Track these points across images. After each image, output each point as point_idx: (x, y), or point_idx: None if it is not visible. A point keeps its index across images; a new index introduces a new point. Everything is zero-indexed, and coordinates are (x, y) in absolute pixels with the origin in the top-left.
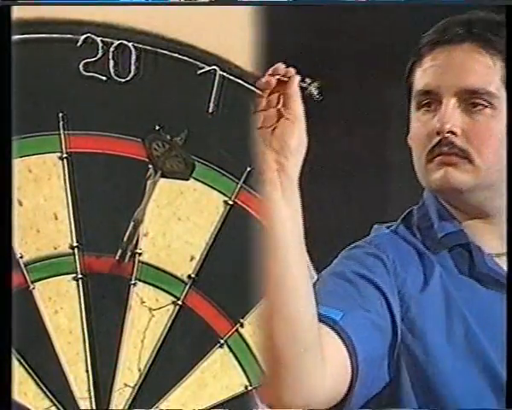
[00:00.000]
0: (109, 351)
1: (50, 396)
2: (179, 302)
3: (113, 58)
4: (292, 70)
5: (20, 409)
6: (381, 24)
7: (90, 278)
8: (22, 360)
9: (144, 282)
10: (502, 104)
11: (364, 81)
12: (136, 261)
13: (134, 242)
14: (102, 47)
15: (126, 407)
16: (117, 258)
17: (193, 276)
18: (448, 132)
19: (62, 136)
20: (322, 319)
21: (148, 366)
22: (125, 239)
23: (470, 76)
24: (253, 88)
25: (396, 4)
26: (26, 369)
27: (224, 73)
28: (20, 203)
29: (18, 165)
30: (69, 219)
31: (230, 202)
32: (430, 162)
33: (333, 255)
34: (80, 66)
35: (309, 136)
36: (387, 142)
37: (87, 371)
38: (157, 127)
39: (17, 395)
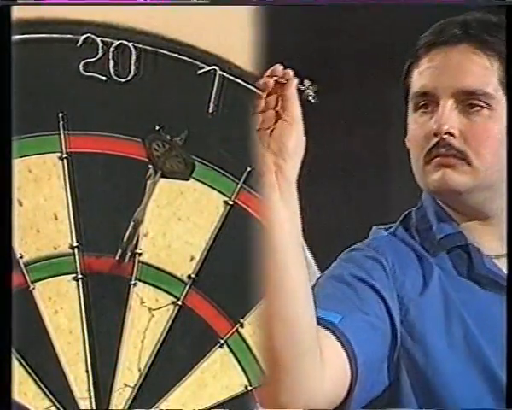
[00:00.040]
0: (109, 351)
1: (50, 396)
2: (179, 302)
3: (113, 58)
4: (290, 72)
5: (20, 409)
6: (381, 24)
7: (90, 278)
8: (22, 360)
9: (144, 282)
10: (499, 105)
11: (364, 81)
12: (136, 261)
13: (134, 242)
14: (102, 47)
15: (126, 407)
16: (117, 258)
17: (193, 276)
18: (446, 134)
19: (62, 136)
20: (321, 322)
21: (148, 366)
22: (125, 239)
23: (467, 77)
24: (252, 88)
25: (396, 4)
26: (26, 369)
27: (224, 73)
28: (20, 203)
29: (18, 165)
30: (69, 219)
31: (230, 202)
32: (428, 164)
33: (333, 256)
34: (80, 66)
35: (308, 136)
36: (387, 142)
37: (87, 371)
38: (157, 127)
39: (17, 395)
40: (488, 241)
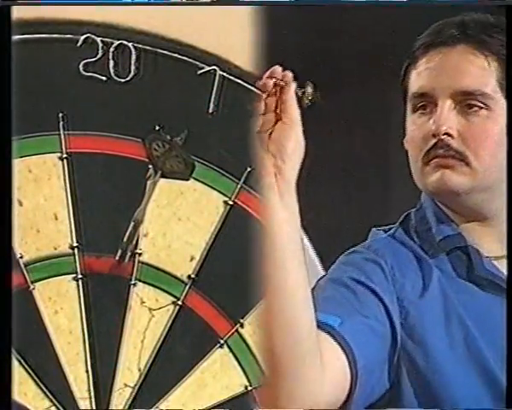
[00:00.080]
0: (109, 351)
1: (50, 396)
2: (179, 302)
3: (113, 58)
4: (289, 74)
5: (20, 409)
6: (383, 24)
7: (90, 279)
8: (22, 360)
9: (144, 282)
10: (497, 106)
11: (365, 81)
12: (136, 261)
13: (134, 242)
14: (102, 47)
15: (126, 407)
16: (117, 258)
17: (193, 276)
18: (444, 134)
19: (62, 136)
20: (321, 325)
21: (148, 366)
22: (125, 239)
23: (465, 78)
24: (252, 88)
25: (397, 4)
26: (26, 369)
27: (224, 73)
28: (20, 203)
29: (18, 165)
30: (69, 219)
31: (230, 202)
32: (426, 165)
33: (333, 256)
34: (80, 66)
35: (309, 136)
36: (388, 142)
37: (87, 371)
38: (157, 127)
39: (17, 395)
40: (487, 242)
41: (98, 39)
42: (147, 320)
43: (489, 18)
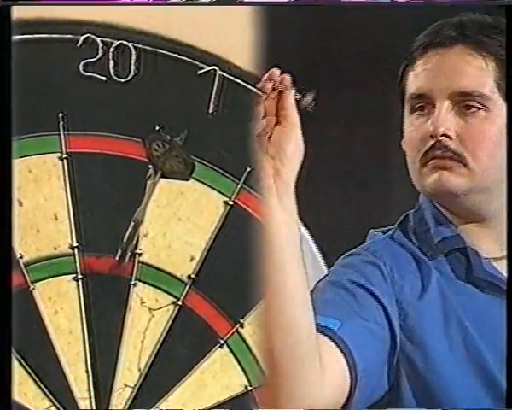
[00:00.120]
0: (109, 351)
1: (50, 396)
2: (179, 303)
3: (113, 58)
4: (287, 78)
5: (20, 409)
6: (382, 24)
7: (90, 279)
8: (22, 361)
9: (144, 282)
10: (495, 106)
11: (365, 81)
12: (136, 262)
13: (134, 242)
14: (102, 47)
15: (126, 407)
16: (117, 258)
17: (193, 276)
18: (442, 136)
19: (62, 136)
20: (320, 328)
21: (148, 365)
22: (125, 239)
23: (463, 78)
24: (252, 88)
25: (397, 4)
26: (26, 369)
27: (224, 73)
28: (20, 203)
29: (18, 165)
30: (69, 219)
31: (230, 203)
32: (424, 166)
33: (333, 256)
34: (80, 66)
35: (308, 136)
36: (387, 142)
37: (87, 371)
38: (157, 127)
39: (17, 395)
40: (486, 243)
41: (98, 39)
42: (147, 320)
43: (487, 18)
